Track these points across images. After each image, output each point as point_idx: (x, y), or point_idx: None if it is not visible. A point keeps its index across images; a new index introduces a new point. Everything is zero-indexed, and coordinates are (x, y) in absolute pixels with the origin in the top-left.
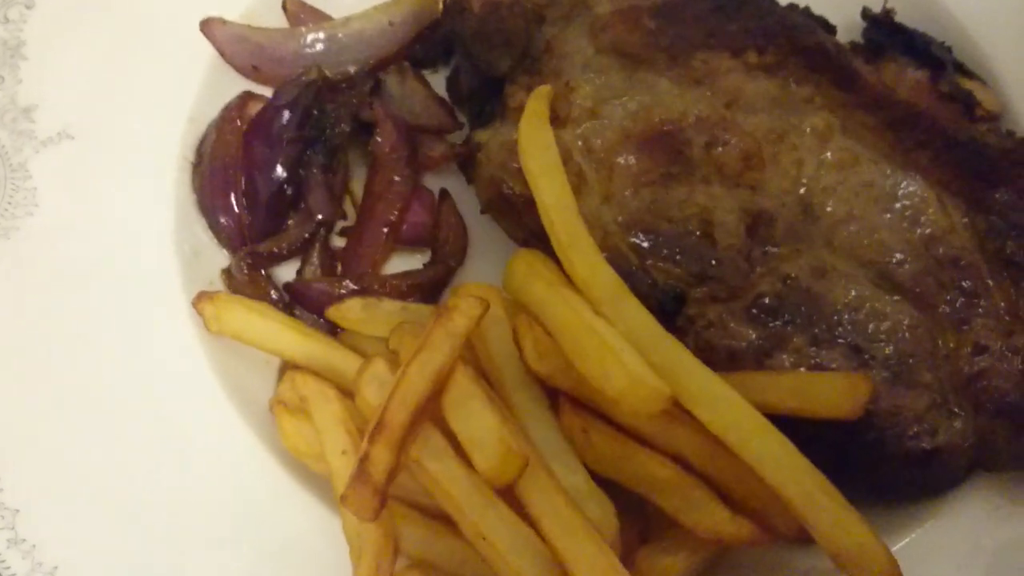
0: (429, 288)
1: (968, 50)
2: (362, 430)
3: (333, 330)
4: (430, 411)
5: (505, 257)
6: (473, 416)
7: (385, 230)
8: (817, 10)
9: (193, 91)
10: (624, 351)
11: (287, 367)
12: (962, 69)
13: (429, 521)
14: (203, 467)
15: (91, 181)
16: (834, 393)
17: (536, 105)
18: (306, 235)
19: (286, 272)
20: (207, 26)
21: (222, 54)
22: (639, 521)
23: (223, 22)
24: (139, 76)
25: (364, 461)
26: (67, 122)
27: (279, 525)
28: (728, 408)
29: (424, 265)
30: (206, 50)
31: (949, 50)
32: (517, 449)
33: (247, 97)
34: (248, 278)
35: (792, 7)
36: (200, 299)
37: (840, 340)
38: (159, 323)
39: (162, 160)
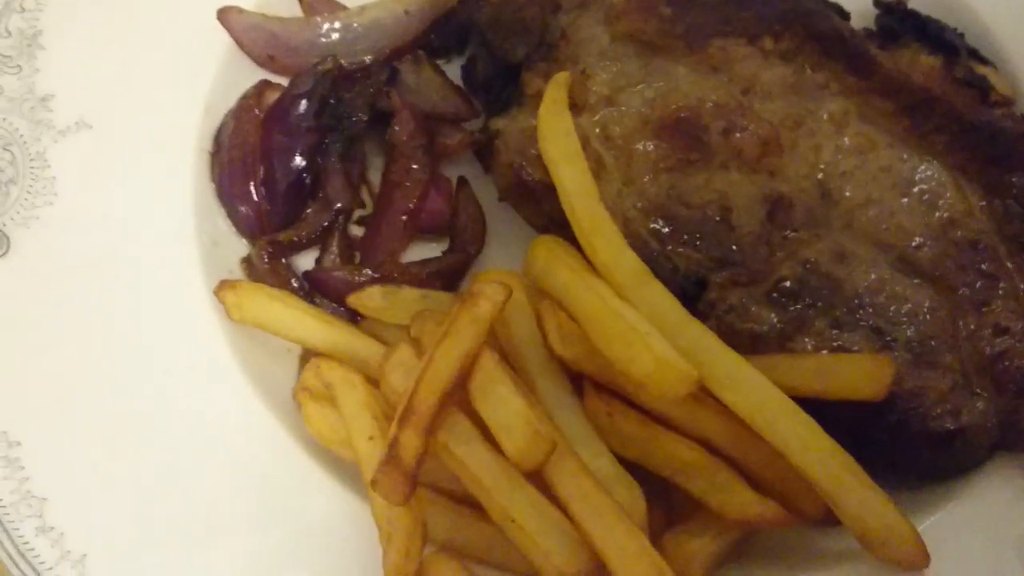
0: (448, 275)
1: (980, 36)
2: (388, 416)
3: (353, 319)
4: (456, 396)
5: (523, 244)
6: (500, 400)
7: (403, 218)
8: None
9: (210, 80)
10: (650, 335)
11: (308, 355)
12: (975, 55)
13: (456, 506)
14: (228, 455)
15: (109, 170)
16: (858, 374)
17: (555, 92)
18: (325, 223)
19: (305, 261)
20: (224, 15)
21: (238, 43)
22: (664, 505)
23: (240, 11)
24: (156, 65)
25: (394, 445)
26: (85, 111)
27: (305, 511)
28: (754, 390)
29: (443, 253)
30: (222, 39)
31: (961, 36)
32: (545, 432)
33: (264, 86)
34: (268, 267)
35: None
36: (222, 287)
37: (861, 323)
38: (180, 312)
39: (180, 149)
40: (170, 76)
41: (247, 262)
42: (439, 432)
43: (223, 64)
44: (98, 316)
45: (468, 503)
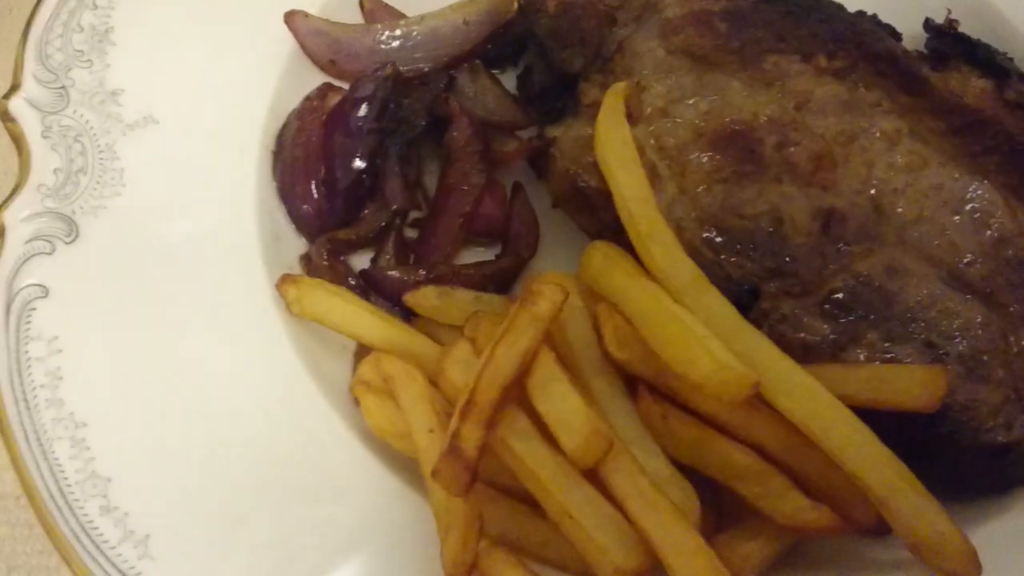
0: (501, 279)
1: None
2: (445, 412)
3: (406, 318)
4: (515, 393)
5: (575, 251)
6: (559, 398)
7: (459, 221)
8: (883, 19)
9: (274, 81)
10: (708, 338)
11: (363, 352)
12: None
13: (512, 501)
14: (288, 445)
15: (176, 164)
16: (912, 385)
17: (613, 101)
18: (382, 224)
19: (360, 261)
20: (291, 18)
21: (302, 46)
22: (714, 509)
23: (305, 15)
24: (223, 64)
25: (455, 437)
26: (153, 107)
27: (363, 502)
28: (809, 397)
29: (496, 256)
30: (287, 42)
31: (1011, 60)
32: (603, 430)
33: (327, 88)
34: (327, 264)
35: (860, 14)
36: (284, 281)
37: (914, 336)
38: (242, 304)
39: (244, 147)
40: (236, 75)
41: (306, 259)
42: (498, 427)
43: (287, 66)
44: (162, 303)
45: (523, 499)
